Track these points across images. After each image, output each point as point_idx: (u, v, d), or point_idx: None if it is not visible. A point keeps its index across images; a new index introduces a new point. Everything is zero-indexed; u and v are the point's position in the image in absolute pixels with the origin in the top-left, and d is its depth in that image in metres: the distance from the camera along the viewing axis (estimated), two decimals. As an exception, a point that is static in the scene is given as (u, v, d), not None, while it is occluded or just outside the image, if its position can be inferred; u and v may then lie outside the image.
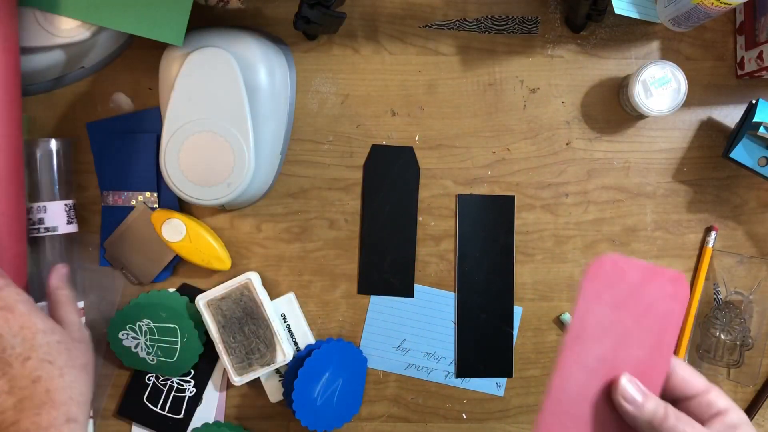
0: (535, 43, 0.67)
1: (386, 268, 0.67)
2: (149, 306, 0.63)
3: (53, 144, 0.64)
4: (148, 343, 0.64)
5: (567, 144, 0.67)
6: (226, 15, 0.66)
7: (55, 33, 0.59)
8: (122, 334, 0.64)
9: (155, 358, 0.64)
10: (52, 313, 0.58)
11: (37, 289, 0.63)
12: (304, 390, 0.62)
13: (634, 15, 0.63)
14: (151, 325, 0.64)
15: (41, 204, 0.63)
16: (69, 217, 0.64)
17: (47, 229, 0.63)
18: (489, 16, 0.67)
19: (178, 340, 0.64)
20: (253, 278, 0.64)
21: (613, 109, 0.67)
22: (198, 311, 0.64)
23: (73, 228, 0.65)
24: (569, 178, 0.67)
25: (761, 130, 0.61)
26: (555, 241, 0.67)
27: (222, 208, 0.66)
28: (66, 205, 0.64)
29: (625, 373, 0.42)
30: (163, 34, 0.59)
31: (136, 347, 0.64)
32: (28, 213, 0.63)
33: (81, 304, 0.65)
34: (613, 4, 0.61)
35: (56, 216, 0.63)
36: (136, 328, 0.64)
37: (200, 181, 0.58)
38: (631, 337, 0.42)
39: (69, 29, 0.59)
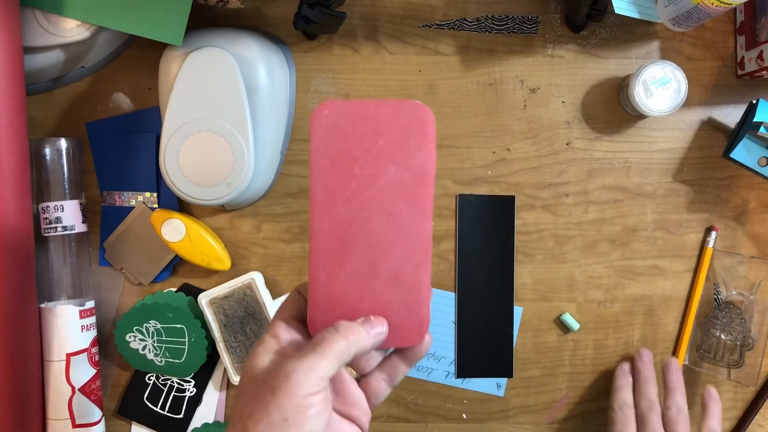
0: (535, 42, 0.67)
1: (386, 268, 0.67)
2: (155, 307, 0.63)
3: (63, 143, 0.64)
4: (155, 344, 0.64)
5: (567, 144, 0.67)
6: (226, 15, 0.66)
7: (55, 33, 0.59)
8: (129, 337, 0.64)
9: (163, 359, 0.64)
10: None
11: (47, 289, 0.63)
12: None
13: (635, 15, 0.62)
14: (158, 326, 0.63)
15: (58, 203, 0.63)
16: (83, 216, 0.64)
17: (65, 228, 0.63)
18: (489, 16, 0.67)
19: (186, 340, 0.63)
20: (256, 278, 0.64)
21: (613, 109, 0.67)
22: (201, 310, 0.64)
23: (85, 227, 0.65)
24: (569, 178, 0.67)
25: (761, 130, 0.61)
26: (555, 241, 0.67)
27: (222, 208, 0.66)
28: (81, 204, 0.64)
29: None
30: (163, 34, 0.59)
31: (143, 349, 0.64)
32: (45, 212, 0.63)
33: (91, 304, 0.65)
34: (613, 4, 0.61)
35: (73, 215, 0.63)
36: (144, 330, 0.64)
37: (200, 181, 0.58)
38: (382, 192, 0.40)
39: (69, 29, 0.59)
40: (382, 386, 0.43)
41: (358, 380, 0.44)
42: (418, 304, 0.41)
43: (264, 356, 0.40)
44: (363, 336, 0.40)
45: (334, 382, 0.42)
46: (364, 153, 0.40)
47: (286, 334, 0.41)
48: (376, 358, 0.43)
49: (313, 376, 0.37)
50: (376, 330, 0.41)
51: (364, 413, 0.43)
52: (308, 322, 0.41)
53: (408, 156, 0.40)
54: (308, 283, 0.41)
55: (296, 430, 0.37)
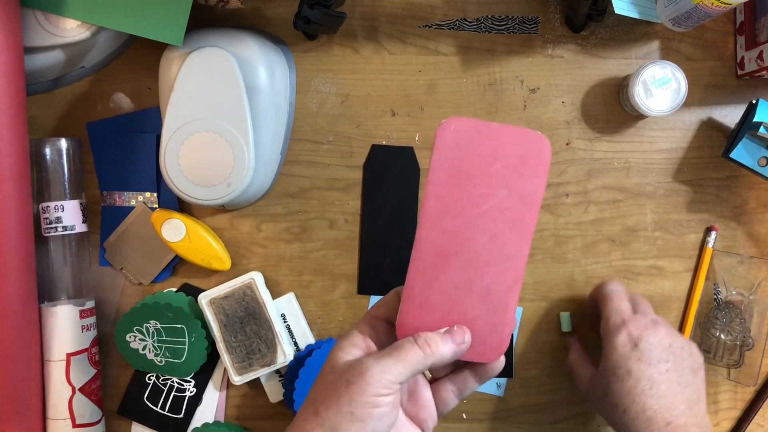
0: (535, 43, 0.67)
1: (386, 268, 0.67)
2: (155, 307, 0.63)
3: (63, 143, 0.64)
4: (155, 344, 0.64)
5: (567, 144, 0.67)
6: (226, 15, 0.66)
7: (55, 33, 0.59)
8: (129, 336, 0.64)
9: (163, 359, 0.64)
10: None
11: (47, 289, 0.63)
12: (305, 390, 0.62)
13: (634, 15, 0.63)
14: (159, 326, 0.63)
15: (59, 203, 0.63)
16: (83, 216, 0.65)
17: (65, 228, 0.63)
18: (489, 16, 0.67)
19: (186, 340, 0.63)
20: (257, 278, 0.64)
21: (613, 109, 0.67)
22: (201, 310, 0.64)
23: (85, 227, 0.65)
24: (569, 178, 0.67)
25: (761, 130, 0.61)
26: (555, 241, 0.67)
27: (222, 208, 0.66)
28: (81, 204, 0.64)
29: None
30: (163, 34, 0.59)
31: (143, 349, 0.64)
32: (45, 212, 0.63)
33: (92, 304, 0.65)
34: (613, 4, 0.61)
35: (73, 215, 0.63)
36: (144, 330, 0.64)
37: (200, 181, 0.58)
38: (490, 212, 0.42)
39: (69, 29, 0.59)
40: (450, 397, 0.45)
41: (431, 384, 0.46)
42: (502, 324, 0.43)
43: (348, 350, 0.43)
44: (440, 350, 0.42)
45: (410, 383, 0.45)
46: (481, 173, 0.42)
47: (373, 334, 0.44)
48: (449, 364, 0.45)
49: (386, 379, 0.40)
50: (458, 340, 0.43)
51: (431, 418, 0.45)
52: (397, 324, 0.43)
53: (520, 182, 0.42)
54: (404, 286, 0.43)
55: (361, 425, 0.39)
